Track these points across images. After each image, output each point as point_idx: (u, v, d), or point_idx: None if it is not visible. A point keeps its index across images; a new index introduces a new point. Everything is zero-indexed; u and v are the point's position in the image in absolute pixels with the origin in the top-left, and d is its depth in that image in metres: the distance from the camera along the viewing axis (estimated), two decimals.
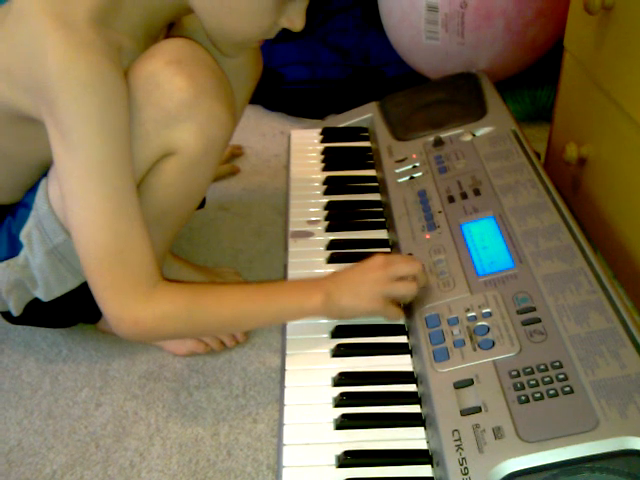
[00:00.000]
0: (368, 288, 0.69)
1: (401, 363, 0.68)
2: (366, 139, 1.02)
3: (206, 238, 1.03)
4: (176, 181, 0.71)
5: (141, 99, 0.65)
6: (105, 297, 0.65)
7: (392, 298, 0.70)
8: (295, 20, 0.69)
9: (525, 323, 0.64)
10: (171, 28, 0.78)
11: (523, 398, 0.57)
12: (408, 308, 0.72)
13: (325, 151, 1.00)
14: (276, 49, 1.39)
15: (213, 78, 0.69)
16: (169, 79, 0.65)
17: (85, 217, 0.63)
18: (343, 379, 0.66)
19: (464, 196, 0.81)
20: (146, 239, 0.65)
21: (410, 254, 0.76)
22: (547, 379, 0.58)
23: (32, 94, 0.64)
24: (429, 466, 0.59)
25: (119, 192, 0.63)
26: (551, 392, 0.57)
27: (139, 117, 0.65)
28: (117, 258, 0.63)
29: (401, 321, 0.72)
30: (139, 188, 0.68)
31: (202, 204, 0.95)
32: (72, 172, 0.63)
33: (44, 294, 0.76)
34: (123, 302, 0.64)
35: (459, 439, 0.56)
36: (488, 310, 0.66)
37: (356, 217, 0.88)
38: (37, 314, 0.81)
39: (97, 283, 0.65)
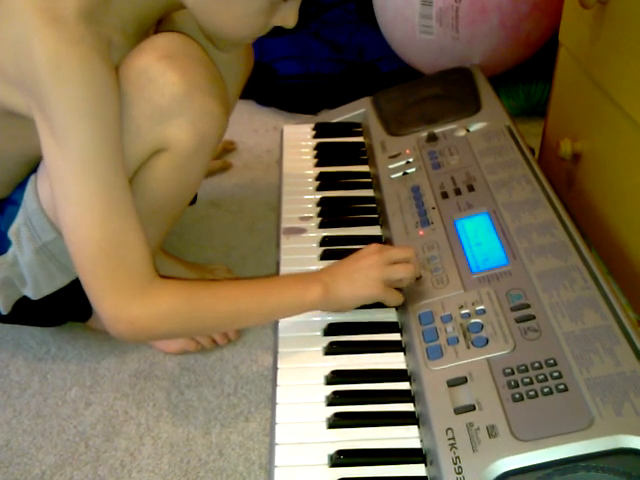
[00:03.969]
0: (364, 274, 0.68)
1: (394, 361, 0.68)
2: (359, 134, 1.01)
3: (198, 235, 1.02)
4: (168, 177, 0.70)
5: (133, 94, 0.64)
6: (100, 297, 0.64)
7: (389, 282, 0.69)
8: (288, 18, 0.69)
9: (519, 320, 0.63)
10: (160, 23, 0.77)
11: (517, 396, 0.57)
12: (402, 305, 0.71)
13: (318, 147, 0.99)
14: (269, 43, 1.38)
15: (206, 73, 0.68)
16: (161, 74, 0.65)
17: (77, 214, 0.62)
18: (336, 377, 0.66)
19: (458, 192, 0.80)
20: (140, 235, 0.64)
21: None
22: (541, 377, 0.58)
23: (21, 90, 0.63)
24: (423, 465, 0.58)
25: (111, 188, 0.62)
26: (545, 390, 0.57)
27: (131, 112, 0.65)
28: (111, 256, 0.62)
29: (396, 317, 0.71)
30: (131, 184, 0.67)
31: (193, 200, 0.94)
32: (63, 168, 0.61)
33: (33, 292, 0.75)
34: (119, 301, 0.63)
35: (453, 438, 0.56)
36: (482, 307, 0.65)
37: (349, 213, 0.87)
38: (26, 312, 0.79)
39: (91, 282, 0.64)
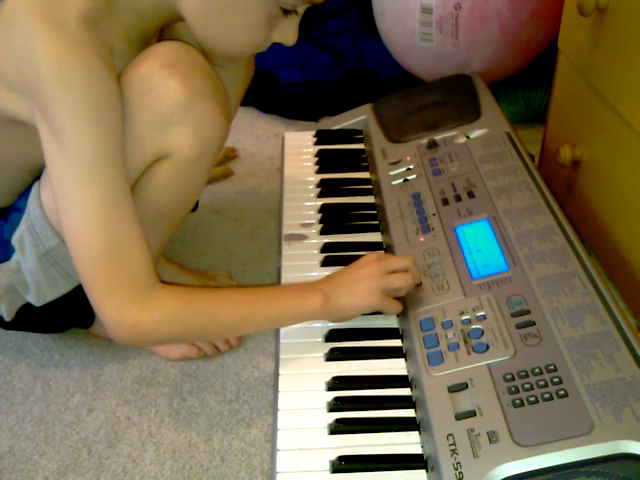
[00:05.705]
0: (364, 284, 0.69)
1: (395, 367, 0.68)
2: (360, 141, 1.01)
3: (200, 241, 1.03)
4: (170, 184, 0.70)
5: (135, 102, 0.65)
6: (101, 300, 0.64)
7: (388, 292, 0.70)
8: (288, 34, 0.69)
9: (519, 326, 0.63)
10: (162, 31, 0.78)
11: (518, 402, 0.57)
12: (402, 312, 0.71)
13: (319, 153, 0.99)
14: (270, 51, 1.39)
15: (207, 81, 0.69)
16: (163, 82, 0.65)
17: (78, 218, 0.62)
18: (337, 383, 0.66)
19: (458, 198, 0.81)
20: (142, 240, 0.64)
21: None
22: (542, 383, 0.58)
23: (24, 96, 0.64)
24: (424, 471, 0.59)
25: (113, 191, 0.62)
26: (546, 396, 0.57)
27: (133, 120, 0.65)
28: (112, 260, 0.62)
29: (396, 324, 0.72)
30: (132, 191, 0.68)
31: (195, 207, 0.95)
32: (65, 172, 0.62)
33: (36, 299, 0.75)
34: (120, 305, 0.63)
35: (454, 443, 0.56)
36: (482, 313, 0.66)
37: (350, 220, 0.87)
38: (29, 319, 0.80)
39: (93, 286, 0.64)
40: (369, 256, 0.71)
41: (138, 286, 0.64)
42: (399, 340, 0.71)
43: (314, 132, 1.04)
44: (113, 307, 0.63)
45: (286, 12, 0.67)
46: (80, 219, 0.62)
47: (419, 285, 0.72)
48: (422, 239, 0.77)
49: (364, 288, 0.68)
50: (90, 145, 0.61)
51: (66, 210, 0.63)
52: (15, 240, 0.73)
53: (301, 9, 0.68)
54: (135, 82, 0.65)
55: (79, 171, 0.61)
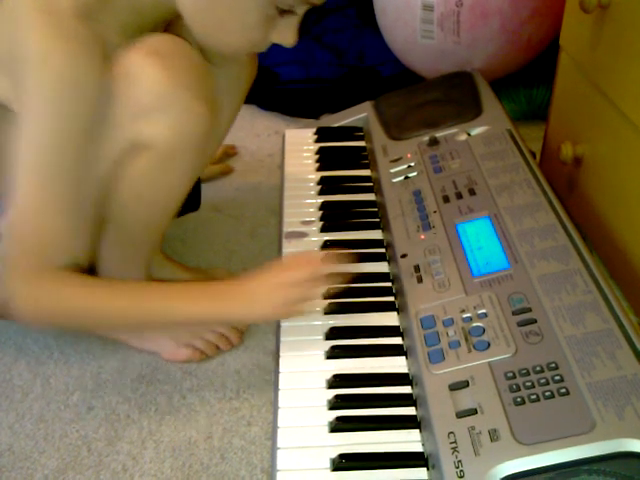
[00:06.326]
0: (264, 297, 0.68)
1: (396, 365, 0.68)
2: (361, 139, 1.01)
3: (199, 239, 1.02)
4: (147, 175, 0.69)
5: (117, 90, 0.65)
6: (7, 266, 0.66)
7: (291, 303, 0.68)
8: (286, 35, 0.69)
9: (521, 324, 0.63)
10: (166, 30, 0.77)
11: (519, 400, 0.57)
12: (404, 309, 0.71)
13: (320, 151, 0.99)
14: (271, 48, 1.38)
15: (192, 72, 0.67)
16: (144, 70, 0.64)
17: (19, 200, 0.64)
18: (337, 381, 0.66)
19: (459, 196, 0.80)
20: (71, 227, 0.66)
21: (351, 254, 0.75)
22: (543, 381, 0.58)
23: (10, 80, 0.65)
24: (425, 469, 0.58)
25: (55, 183, 0.64)
26: (547, 394, 0.57)
27: (113, 108, 0.65)
28: (32, 232, 0.65)
29: (397, 322, 0.71)
30: (111, 182, 0.68)
31: (197, 207, 0.95)
32: (19, 155, 0.64)
33: None
34: (16, 275, 0.65)
35: (455, 441, 0.56)
36: (483, 311, 0.65)
37: (351, 217, 0.87)
38: None
39: (9, 255, 0.66)
40: (272, 267, 0.69)
41: (36, 264, 0.65)
42: (400, 338, 0.70)
43: (314, 129, 1.04)
44: (11, 276, 0.66)
45: (283, 12, 0.67)
46: (20, 201, 0.64)
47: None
48: (423, 236, 0.77)
49: (264, 301, 0.68)
50: (48, 135, 0.63)
51: (16, 190, 0.65)
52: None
53: (300, 10, 0.68)
54: (121, 71, 0.65)
55: (30, 157, 0.63)
